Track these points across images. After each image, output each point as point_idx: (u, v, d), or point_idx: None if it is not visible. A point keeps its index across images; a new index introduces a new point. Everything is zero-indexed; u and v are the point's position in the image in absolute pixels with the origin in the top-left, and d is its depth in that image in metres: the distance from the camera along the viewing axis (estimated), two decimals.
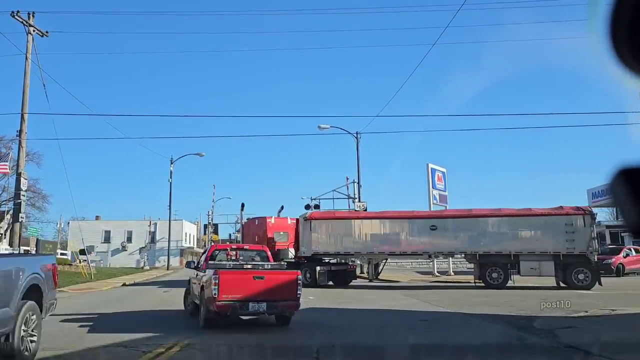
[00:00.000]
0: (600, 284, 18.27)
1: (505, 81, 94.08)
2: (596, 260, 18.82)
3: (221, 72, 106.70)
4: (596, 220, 20.15)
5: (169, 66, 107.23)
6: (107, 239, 65.72)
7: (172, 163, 40.03)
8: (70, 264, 30.91)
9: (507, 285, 19.17)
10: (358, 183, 31.18)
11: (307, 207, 37.95)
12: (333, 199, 39.05)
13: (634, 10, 0.98)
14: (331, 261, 22.19)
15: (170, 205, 39.82)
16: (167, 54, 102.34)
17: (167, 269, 39.46)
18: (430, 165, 28.53)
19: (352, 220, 21.56)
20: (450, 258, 25.81)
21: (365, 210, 28.46)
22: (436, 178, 28.79)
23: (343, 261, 22.38)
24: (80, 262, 27.88)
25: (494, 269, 19.31)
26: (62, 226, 68.93)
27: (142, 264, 42.53)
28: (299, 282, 9.34)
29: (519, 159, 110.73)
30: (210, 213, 66.14)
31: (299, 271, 9.92)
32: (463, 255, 21.53)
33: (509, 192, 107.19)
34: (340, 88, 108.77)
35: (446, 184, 29.68)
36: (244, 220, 30.42)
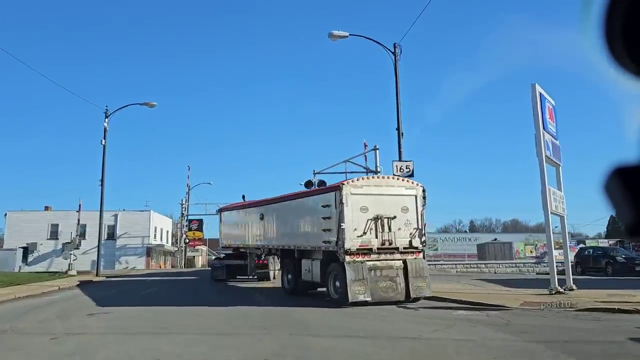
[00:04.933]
0: (348, 299, 11.52)
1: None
2: (351, 259, 12.04)
3: None
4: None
5: None
6: (54, 235, 52.69)
7: (107, 117, 26.74)
8: None
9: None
10: (398, 129, 18.16)
11: (308, 184, 25.97)
12: (345, 172, 26.66)
13: (629, 8, 0.94)
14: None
15: (102, 180, 26.38)
16: None
17: (97, 275, 26.14)
18: (538, 89, 15.42)
19: (244, 210, 19.64)
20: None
21: (412, 176, 17.64)
22: (547, 113, 15.78)
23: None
24: None
25: (286, 269, 15.73)
26: None
27: (68, 266, 29.16)
28: None
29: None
30: (183, 202, 52.86)
31: None
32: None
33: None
34: None
35: (557, 126, 16.75)
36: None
